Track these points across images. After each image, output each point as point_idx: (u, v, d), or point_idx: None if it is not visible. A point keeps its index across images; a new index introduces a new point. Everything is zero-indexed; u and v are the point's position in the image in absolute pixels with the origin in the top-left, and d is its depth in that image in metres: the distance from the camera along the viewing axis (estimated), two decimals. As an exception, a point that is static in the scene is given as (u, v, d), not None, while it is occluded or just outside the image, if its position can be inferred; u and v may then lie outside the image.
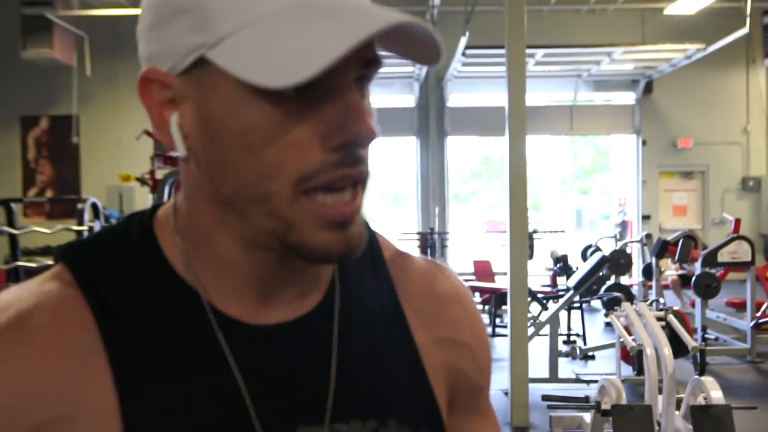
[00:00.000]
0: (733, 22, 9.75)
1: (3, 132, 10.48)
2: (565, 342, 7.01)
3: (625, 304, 4.28)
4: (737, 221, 7.93)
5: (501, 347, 7.30)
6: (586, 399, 4.63)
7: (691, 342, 4.05)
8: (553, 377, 5.67)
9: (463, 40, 8.65)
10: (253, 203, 0.55)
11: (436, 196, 11.30)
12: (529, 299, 5.73)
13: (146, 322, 0.58)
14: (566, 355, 6.20)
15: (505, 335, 7.24)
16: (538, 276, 9.92)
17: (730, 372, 6.16)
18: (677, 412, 3.59)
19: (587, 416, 4.36)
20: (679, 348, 4.09)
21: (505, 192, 4.94)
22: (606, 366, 6.17)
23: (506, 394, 5.23)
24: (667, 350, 3.60)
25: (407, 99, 11.33)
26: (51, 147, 10.43)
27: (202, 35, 0.53)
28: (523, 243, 4.87)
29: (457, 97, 11.60)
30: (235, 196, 0.56)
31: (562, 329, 7.07)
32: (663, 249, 7.53)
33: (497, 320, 8.01)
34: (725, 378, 5.83)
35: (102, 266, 0.60)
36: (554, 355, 5.69)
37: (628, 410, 3.37)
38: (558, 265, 8.95)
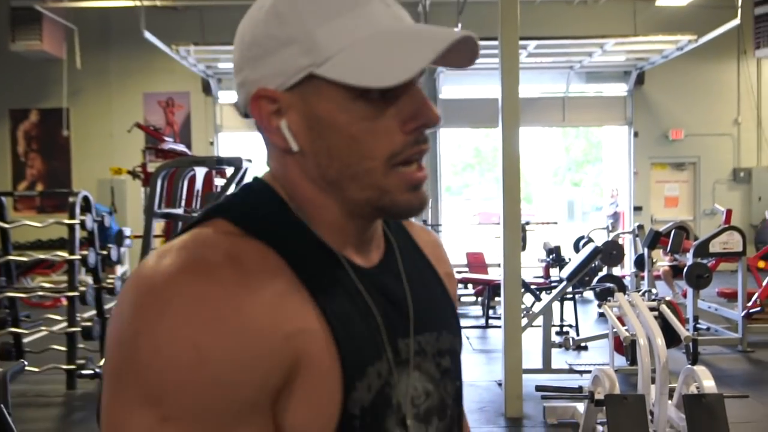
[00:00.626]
0: (725, 13, 9.77)
1: (-7, 125, 10.41)
2: (558, 333, 7.04)
3: (618, 295, 4.29)
4: (728, 212, 7.96)
5: (494, 338, 7.33)
6: (580, 389, 4.66)
7: (683, 332, 4.07)
8: (547, 368, 5.69)
9: (456, 32, 8.65)
10: (353, 180, 0.74)
11: (428, 189, 11.31)
12: (523, 290, 5.74)
13: (308, 260, 0.74)
14: (559, 346, 6.22)
15: (499, 326, 7.26)
16: (531, 267, 9.95)
17: (722, 361, 6.20)
18: (670, 401, 3.61)
19: (581, 406, 4.39)
20: (671, 338, 4.12)
21: (498, 184, 4.94)
22: (599, 356, 6.20)
23: (500, 385, 5.25)
24: (659, 340, 3.62)
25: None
26: (41, 140, 10.36)
27: (310, 58, 0.71)
28: (516, 234, 4.88)
29: (449, 89, 11.59)
30: (339, 175, 0.74)
31: (555, 320, 7.09)
32: (655, 240, 7.55)
33: (490, 311, 8.04)
34: (717, 367, 5.87)
35: (258, 218, 0.75)
36: (547, 346, 5.71)
37: (622, 400, 3.38)
38: (551, 257, 8.98)
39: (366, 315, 0.76)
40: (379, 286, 0.80)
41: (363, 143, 0.72)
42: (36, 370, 5.53)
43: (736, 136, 12.16)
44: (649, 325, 3.74)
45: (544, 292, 7.53)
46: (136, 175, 7.34)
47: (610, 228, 11.00)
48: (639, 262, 8.04)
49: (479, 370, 6.10)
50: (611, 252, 7.25)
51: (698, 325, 6.65)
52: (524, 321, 5.66)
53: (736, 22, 9.31)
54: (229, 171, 5.53)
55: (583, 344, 6.48)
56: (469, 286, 9.03)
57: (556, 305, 6.81)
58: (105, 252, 6.64)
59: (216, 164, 6.07)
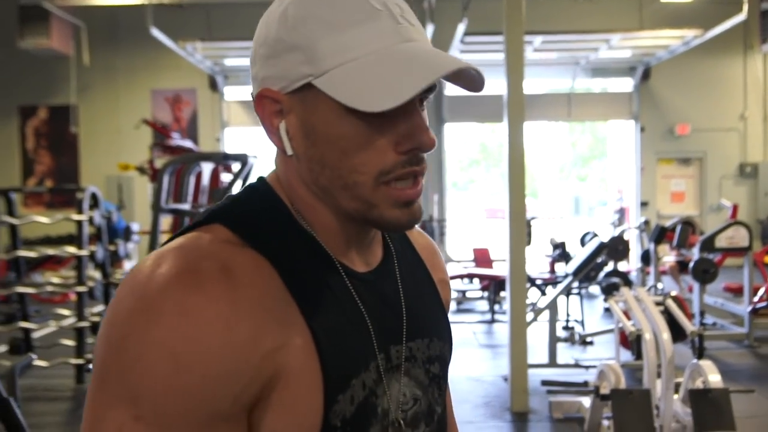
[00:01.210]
0: (731, 8, 9.74)
1: (1, 122, 10.45)
2: (564, 328, 7.05)
3: (624, 290, 4.31)
4: (735, 207, 7.95)
5: (500, 333, 7.35)
6: (585, 384, 4.68)
7: (689, 327, 4.08)
8: (552, 363, 5.71)
9: (461, 27, 8.64)
10: (344, 189, 0.75)
11: (435, 184, 11.32)
12: (528, 285, 5.76)
13: (302, 268, 0.75)
14: (565, 340, 6.24)
15: (504, 321, 7.28)
16: (537, 263, 9.96)
17: (728, 356, 6.21)
18: (676, 396, 3.62)
19: (586, 401, 4.40)
20: (677, 333, 4.12)
21: (504, 179, 4.95)
22: (604, 351, 6.22)
23: (506, 379, 5.26)
24: (665, 335, 3.63)
25: (405, 87, 11.32)
26: (50, 137, 10.42)
27: (310, 67, 0.72)
28: (521, 230, 4.89)
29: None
30: (329, 184, 0.76)
31: (561, 315, 7.11)
32: (661, 235, 7.56)
33: (496, 306, 8.05)
34: (723, 362, 5.88)
35: (256, 226, 0.76)
36: (553, 340, 5.73)
37: (627, 394, 3.40)
38: (557, 252, 8.98)
39: (358, 324, 0.77)
40: (375, 292, 0.82)
41: (354, 158, 0.73)
42: (45, 364, 5.58)
43: (743, 131, 12.12)
44: (655, 319, 3.76)
45: (549, 287, 7.54)
46: (144, 171, 7.38)
47: (617, 223, 10.98)
48: (645, 257, 8.04)
49: (485, 365, 6.12)
50: (617, 247, 7.25)
51: (704, 320, 6.65)
52: (530, 316, 5.68)
53: (743, 17, 9.28)
54: (236, 167, 5.55)
55: (588, 339, 6.50)
56: (475, 281, 9.05)
57: (561, 300, 6.82)
58: (113, 248, 6.69)
59: (223, 160, 6.10)
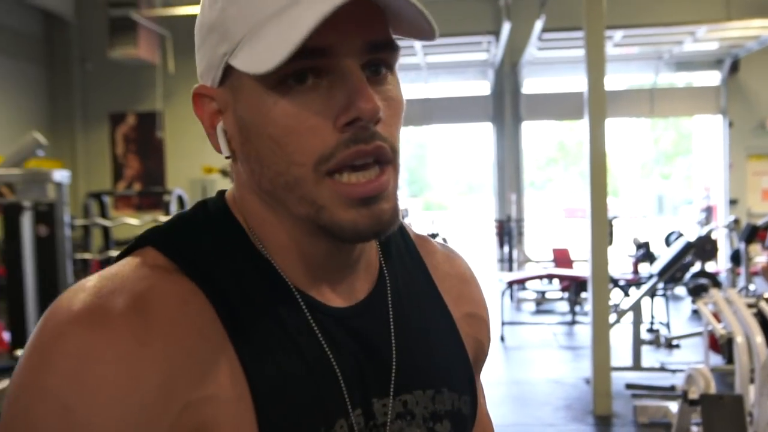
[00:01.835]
0: (828, -6, 9.23)
1: (94, 129, 10.99)
2: (648, 330, 6.85)
3: (713, 291, 4.15)
4: (833, 204, 7.52)
5: (581, 335, 7.20)
6: (672, 388, 4.54)
7: (784, 330, 3.90)
8: (637, 366, 5.55)
9: (539, 24, 8.51)
10: (288, 191, 0.60)
11: (512, 183, 11.19)
12: (611, 286, 5.62)
13: (248, 299, 0.61)
14: (650, 343, 6.06)
15: (585, 323, 7.13)
16: (619, 263, 9.70)
17: (827, 362, 5.88)
18: (770, 402, 3.47)
19: (673, 406, 4.27)
20: (771, 336, 3.95)
21: (584, 178, 4.86)
22: (692, 355, 6.01)
23: (587, 382, 5.16)
24: (759, 338, 3.48)
25: (482, 85, 11.24)
26: (138, 142, 10.87)
27: (225, 45, 0.60)
28: (603, 229, 4.79)
29: (532, 82, 11.43)
30: (272, 186, 0.61)
31: (645, 317, 6.91)
32: (752, 234, 7.23)
33: (576, 307, 7.90)
34: (821, 368, 5.58)
35: (195, 249, 0.63)
36: (637, 343, 5.57)
37: (718, 400, 3.28)
38: (640, 252, 8.74)
39: (320, 371, 0.62)
40: (354, 331, 0.66)
41: (285, 146, 0.59)
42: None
43: (842, 124, 11.45)
44: (748, 322, 3.61)
45: (633, 288, 7.34)
46: (227, 173, 7.59)
47: (703, 222, 10.59)
48: (735, 258, 7.71)
49: (565, 367, 6.02)
50: (705, 247, 6.98)
51: (800, 324, 6.32)
52: (613, 317, 5.55)
53: (841, 3, 8.77)
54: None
55: (675, 342, 6.29)
56: (555, 281, 8.91)
57: (646, 302, 6.63)
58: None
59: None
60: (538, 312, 8.64)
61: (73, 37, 10.66)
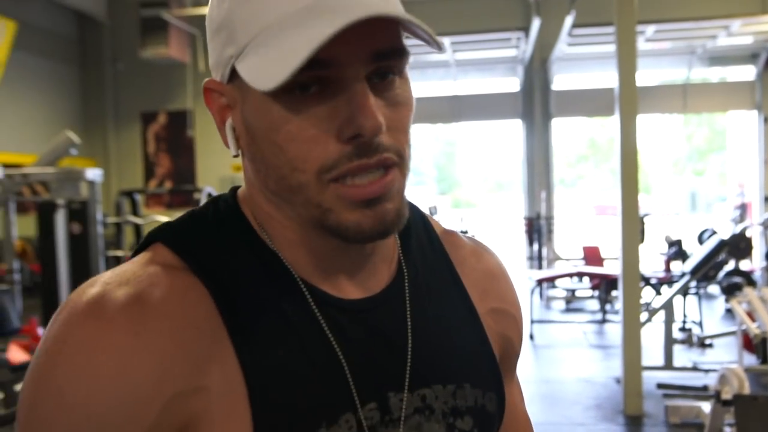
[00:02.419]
0: None
1: (126, 128, 11.15)
2: (680, 329, 6.75)
3: (747, 290, 4.08)
4: None
5: (612, 333, 7.13)
6: (705, 388, 4.47)
7: (821, 330, 3.82)
8: (668, 365, 5.48)
9: (569, 19, 8.43)
10: (292, 194, 0.61)
11: (542, 181, 11.10)
12: (642, 284, 5.55)
13: (252, 294, 0.62)
14: (682, 342, 5.98)
15: (616, 321, 7.06)
16: (651, 261, 9.58)
17: None
18: (806, 403, 3.39)
19: (706, 406, 4.21)
20: (807, 336, 3.87)
21: (615, 175, 4.81)
22: (725, 355, 5.91)
23: (618, 381, 5.11)
24: (794, 338, 3.41)
25: (512, 82, 11.17)
26: (168, 140, 11.00)
27: (232, 47, 0.60)
28: (634, 227, 4.73)
29: (562, 78, 11.33)
30: (277, 186, 0.63)
31: (678, 316, 6.81)
32: (788, 232, 7.09)
33: (607, 306, 7.82)
34: None
35: (202, 245, 0.64)
36: (669, 342, 5.50)
37: (752, 400, 3.22)
38: (672, 250, 8.62)
39: (325, 364, 0.62)
40: (367, 324, 0.66)
41: (289, 152, 0.59)
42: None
43: None
44: (782, 321, 3.54)
45: (665, 287, 7.25)
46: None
47: (737, 219, 10.41)
48: (770, 256, 7.58)
49: (595, 366, 5.96)
50: (739, 245, 6.88)
51: (838, 324, 6.18)
52: (644, 316, 5.48)
53: None
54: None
55: (707, 341, 6.20)
56: (585, 279, 8.83)
57: (678, 300, 6.53)
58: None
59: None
60: (568, 310, 8.57)
61: (106, 37, 10.83)
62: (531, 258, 10.03)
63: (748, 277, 7.38)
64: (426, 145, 32.88)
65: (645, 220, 8.35)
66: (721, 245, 6.02)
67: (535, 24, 8.47)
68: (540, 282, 7.90)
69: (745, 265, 8.73)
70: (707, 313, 7.73)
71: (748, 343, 4.92)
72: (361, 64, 0.58)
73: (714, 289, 8.95)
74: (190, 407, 0.58)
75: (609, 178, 29.14)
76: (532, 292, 7.55)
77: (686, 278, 6.03)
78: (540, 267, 9.63)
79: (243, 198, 0.68)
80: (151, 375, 0.56)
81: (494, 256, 0.82)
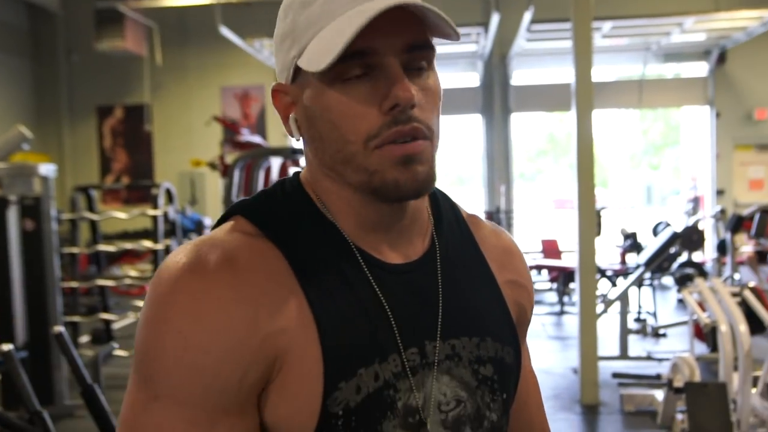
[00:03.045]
0: (814, -15, 9.28)
1: (81, 122, 10.91)
2: (635, 320, 6.90)
3: (698, 281, 4.19)
4: (819, 194, 7.58)
5: (570, 325, 7.25)
6: (658, 377, 4.58)
7: (768, 319, 3.94)
8: (624, 355, 5.60)
9: (528, 15, 8.52)
10: (345, 164, 0.76)
11: (502, 174, 11.21)
12: (598, 276, 5.66)
13: (316, 256, 0.76)
14: (636, 332, 6.11)
15: (574, 313, 7.17)
16: (607, 253, 9.75)
17: (811, 350, 5.95)
18: (753, 390, 3.51)
19: (659, 394, 4.31)
20: (755, 325, 3.99)
21: (573, 169, 4.88)
22: (678, 344, 6.06)
23: (575, 371, 5.20)
24: (743, 327, 3.52)
25: (471, 77, 11.24)
26: (125, 135, 10.81)
27: (295, 49, 0.76)
28: (591, 220, 4.81)
29: (522, 74, 11.44)
30: (332, 161, 0.77)
31: (633, 307, 6.95)
32: (738, 224, 7.29)
33: (565, 298, 7.94)
34: (806, 356, 5.64)
35: (274, 217, 0.79)
36: (624, 332, 5.62)
37: (702, 388, 3.32)
38: (628, 242, 8.79)
39: (375, 314, 0.76)
40: (407, 284, 0.79)
41: (342, 128, 0.74)
42: (125, 354, 5.81)
43: (828, 115, 11.52)
44: (732, 311, 3.64)
45: (620, 278, 7.39)
46: (215, 166, 7.57)
47: (690, 212, 10.65)
48: (721, 248, 7.78)
49: (554, 357, 6.05)
50: (692, 237, 7.04)
51: (785, 313, 6.38)
52: (600, 307, 5.59)
53: (827, -7, 8.82)
54: (303, 161, 5.65)
55: (661, 331, 6.34)
56: (544, 272, 8.95)
57: (633, 291, 6.67)
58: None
59: (291, 155, 6.21)
60: (527, 303, 8.67)
61: (59, 29, 10.58)
62: (491, 251, 10.10)
63: (700, 269, 7.58)
64: (387, 140, 32.77)
65: (602, 213, 8.49)
66: (674, 237, 6.17)
67: (495, 19, 8.52)
68: (500, 275, 7.97)
69: (697, 256, 8.94)
70: (661, 303, 7.92)
71: (699, 332, 5.05)
72: (397, 53, 0.73)
73: (668, 280, 9.15)
74: (277, 343, 0.71)
75: (568, 172, 29.53)
76: (492, 285, 7.62)
77: (641, 270, 6.16)
78: (500, 260, 9.71)
79: (305, 179, 0.83)
80: (247, 319, 0.70)
81: (510, 237, 0.97)
